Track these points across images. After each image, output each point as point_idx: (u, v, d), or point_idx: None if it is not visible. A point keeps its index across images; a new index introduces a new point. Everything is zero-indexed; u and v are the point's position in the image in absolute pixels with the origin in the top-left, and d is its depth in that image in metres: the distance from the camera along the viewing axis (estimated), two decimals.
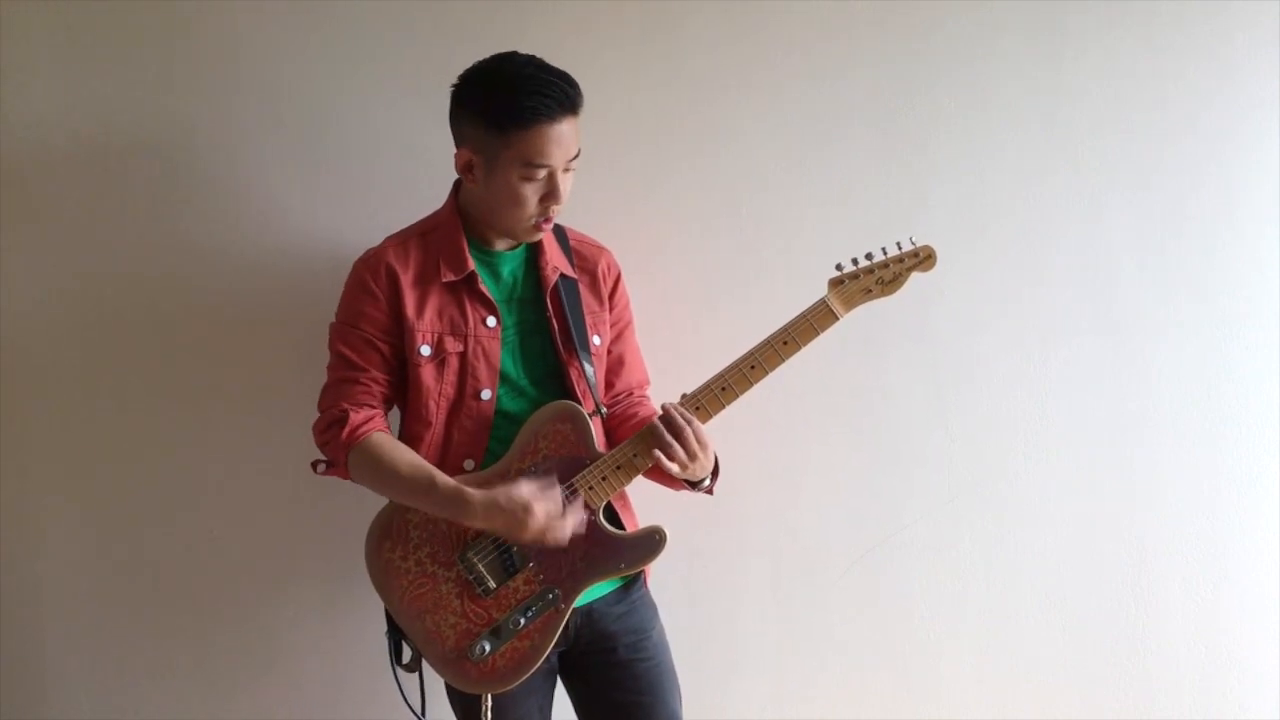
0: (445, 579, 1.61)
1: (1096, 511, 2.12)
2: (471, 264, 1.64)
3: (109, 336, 1.96)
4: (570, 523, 1.55)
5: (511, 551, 1.60)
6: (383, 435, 1.62)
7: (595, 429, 1.65)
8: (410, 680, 1.69)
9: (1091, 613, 2.14)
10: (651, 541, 1.63)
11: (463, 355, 1.64)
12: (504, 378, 1.66)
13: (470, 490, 1.54)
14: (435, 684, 1.67)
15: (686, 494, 1.70)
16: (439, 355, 1.63)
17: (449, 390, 1.64)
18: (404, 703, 1.69)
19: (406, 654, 1.67)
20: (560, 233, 1.76)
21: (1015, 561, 2.12)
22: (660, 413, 1.61)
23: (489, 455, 1.65)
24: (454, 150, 1.62)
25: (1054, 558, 2.13)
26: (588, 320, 1.72)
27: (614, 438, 1.76)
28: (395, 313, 1.63)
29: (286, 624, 2.02)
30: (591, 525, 1.61)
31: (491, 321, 1.65)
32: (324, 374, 1.67)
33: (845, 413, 2.09)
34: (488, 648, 1.59)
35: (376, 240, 1.69)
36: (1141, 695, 2.15)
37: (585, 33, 1.96)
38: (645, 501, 1.75)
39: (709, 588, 2.08)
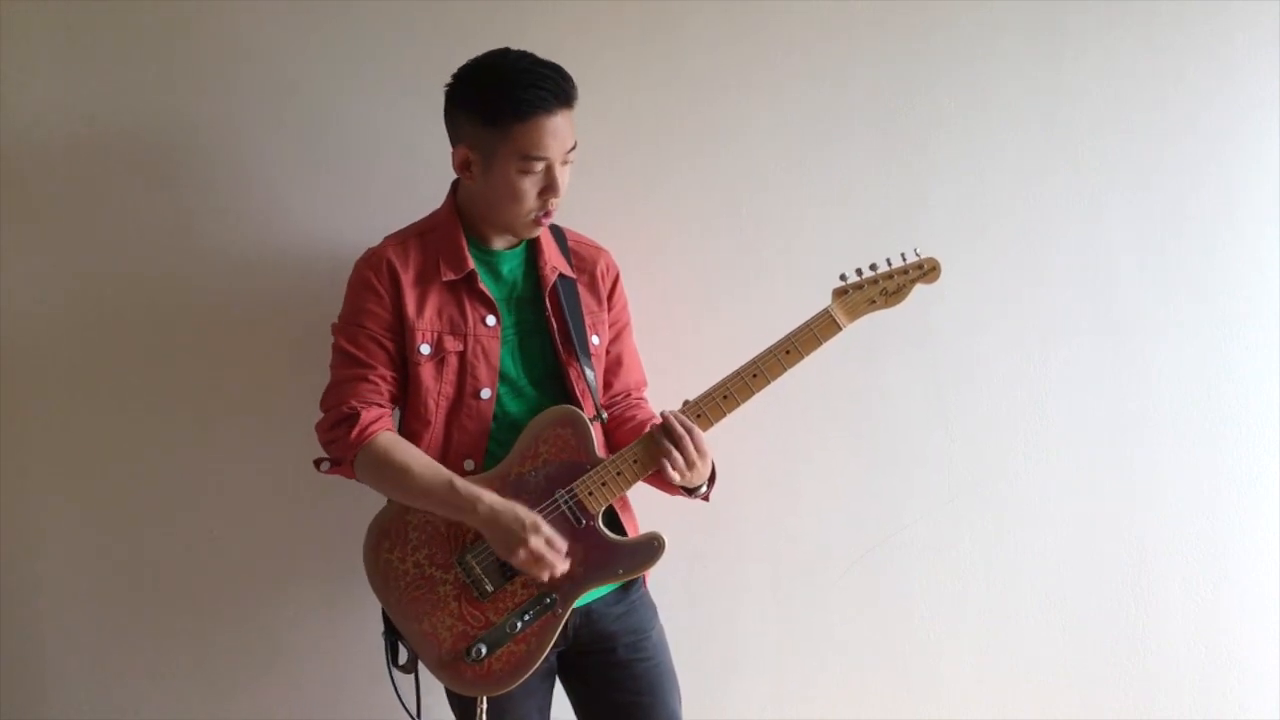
0: (443, 581, 1.61)
1: (1096, 511, 2.12)
2: (471, 263, 1.64)
3: (109, 336, 1.96)
4: (559, 567, 1.55)
5: None
6: (391, 435, 1.62)
7: (595, 434, 1.64)
8: (407, 681, 1.68)
9: (1091, 613, 2.14)
10: (650, 548, 1.62)
11: (462, 354, 1.64)
12: (504, 377, 1.66)
13: (487, 495, 1.55)
14: (435, 685, 1.67)
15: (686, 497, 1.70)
16: (439, 354, 1.63)
17: (448, 389, 1.64)
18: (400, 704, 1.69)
19: (403, 655, 1.67)
20: (559, 233, 1.76)
21: (1015, 561, 2.12)
22: (659, 419, 1.61)
23: (489, 456, 1.65)
24: (451, 149, 1.62)
25: (1054, 558, 2.13)
26: (586, 320, 1.72)
27: (611, 439, 1.76)
28: (398, 311, 1.62)
29: (286, 624, 2.02)
30: (590, 530, 1.61)
31: (491, 320, 1.65)
32: (324, 374, 1.67)
33: (845, 413, 2.08)
34: (484, 650, 1.58)
35: (376, 240, 1.69)
36: (1141, 695, 2.15)
37: (585, 33, 1.96)
38: (645, 504, 1.75)
39: (709, 588, 2.08)
